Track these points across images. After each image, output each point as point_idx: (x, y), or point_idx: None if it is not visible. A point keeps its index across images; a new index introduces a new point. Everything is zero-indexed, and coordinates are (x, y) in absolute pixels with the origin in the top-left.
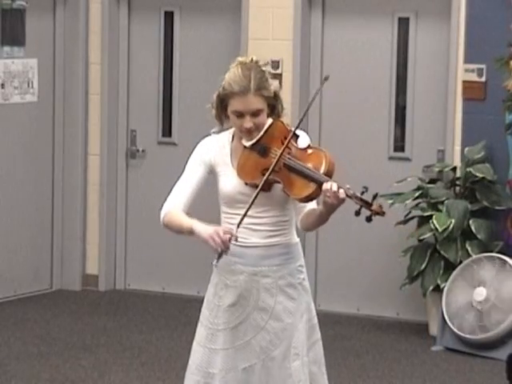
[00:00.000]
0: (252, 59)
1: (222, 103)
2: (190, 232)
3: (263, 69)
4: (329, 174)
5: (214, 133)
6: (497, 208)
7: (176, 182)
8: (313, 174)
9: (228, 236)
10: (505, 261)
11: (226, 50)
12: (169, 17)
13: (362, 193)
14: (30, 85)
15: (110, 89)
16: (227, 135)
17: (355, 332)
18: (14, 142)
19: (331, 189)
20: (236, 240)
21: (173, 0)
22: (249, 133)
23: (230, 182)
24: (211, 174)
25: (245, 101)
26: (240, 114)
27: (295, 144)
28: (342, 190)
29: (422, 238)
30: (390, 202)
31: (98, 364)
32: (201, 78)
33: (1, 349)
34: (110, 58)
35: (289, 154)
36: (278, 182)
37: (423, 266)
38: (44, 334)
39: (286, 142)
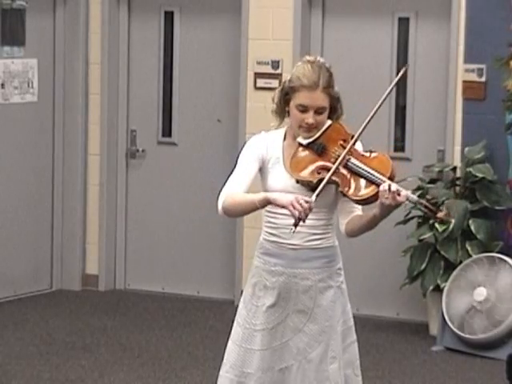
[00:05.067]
0: (319, 60)
1: (286, 96)
2: (265, 203)
3: (331, 70)
4: (391, 178)
5: (272, 127)
6: (497, 208)
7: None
8: (376, 177)
9: (308, 204)
10: (505, 261)
11: (226, 50)
12: (169, 17)
13: (428, 200)
14: (30, 85)
15: (110, 89)
16: (280, 133)
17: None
18: (14, 142)
19: (390, 189)
20: (311, 211)
21: (173, 0)
22: (308, 129)
23: (280, 179)
24: (260, 171)
25: (312, 95)
26: (304, 109)
27: (355, 147)
28: (403, 193)
29: (421, 238)
30: None
31: (97, 364)
32: (201, 78)
33: (1, 349)
34: (109, 58)
35: (351, 155)
36: (335, 183)
37: (423, 266)
38: (44, 334)
39: (350, 144)
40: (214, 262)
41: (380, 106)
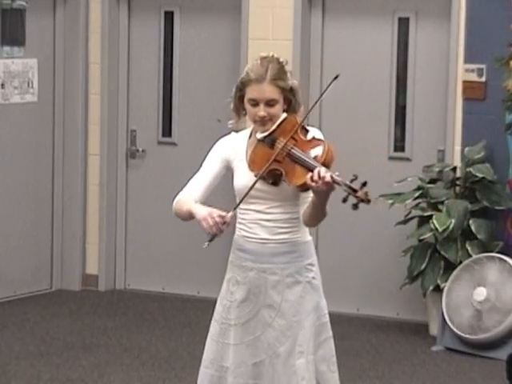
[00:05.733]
0: (273, 55)
1: (240, 93)
2: (191, 215)
3: (282, 63)
4: (326, 164)
5: (230, 125)
6: (497, 208)
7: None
8: (309, 163)
9: (220, 220)
10: (505, 261)
11: (226, 50)
12: (169, 17)
13: (352, 180)
14: (30, 85)
15: (110, 89)
16: (247, 132)
17: (355, 332)
18: (14, 141)
19: (317, 173)
20: (227, 226)
21: (173, 0)
22: (262, 123)
23: (242, 176)
24: (228, 171)
25: (260, 88)
26: (255, 103)
27: (302, 136)
28: (328, 174)
29: (422, 238)
30: (390, 201)
31: (97, 364)
32: (201, 78)
33: (1, 349)
34: (110, 58)
35: (294, 145)
36: (280, 173)
37: (423, 265)
38: (44, 334)
39: (290, 134)
40: (214, 262)
41: (313, 107)
